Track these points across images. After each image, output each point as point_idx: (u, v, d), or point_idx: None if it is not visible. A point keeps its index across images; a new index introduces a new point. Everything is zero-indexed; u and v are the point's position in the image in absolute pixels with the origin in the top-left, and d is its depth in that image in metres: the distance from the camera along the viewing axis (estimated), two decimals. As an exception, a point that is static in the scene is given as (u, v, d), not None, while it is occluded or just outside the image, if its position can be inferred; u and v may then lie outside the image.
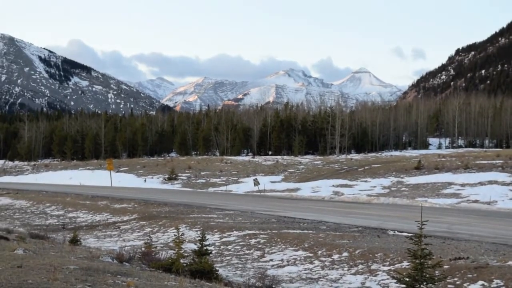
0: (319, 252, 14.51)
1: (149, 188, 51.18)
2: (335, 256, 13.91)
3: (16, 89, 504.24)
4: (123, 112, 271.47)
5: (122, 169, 74.21)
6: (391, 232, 17.37)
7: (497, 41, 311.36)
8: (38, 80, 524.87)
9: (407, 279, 7.80)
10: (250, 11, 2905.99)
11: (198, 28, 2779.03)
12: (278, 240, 16.47)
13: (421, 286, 7.74)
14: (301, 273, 13.02)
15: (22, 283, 7.39)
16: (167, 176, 61.73)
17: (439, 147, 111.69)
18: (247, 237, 17.48)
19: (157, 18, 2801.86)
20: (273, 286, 11.27)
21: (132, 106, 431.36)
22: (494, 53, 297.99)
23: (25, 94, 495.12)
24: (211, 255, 12.34)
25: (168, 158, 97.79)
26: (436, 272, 8.42)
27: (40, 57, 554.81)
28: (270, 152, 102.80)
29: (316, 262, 13.76)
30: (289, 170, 61.31)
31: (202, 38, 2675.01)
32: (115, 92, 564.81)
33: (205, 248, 11.77)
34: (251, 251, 15.82)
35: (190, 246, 14.28)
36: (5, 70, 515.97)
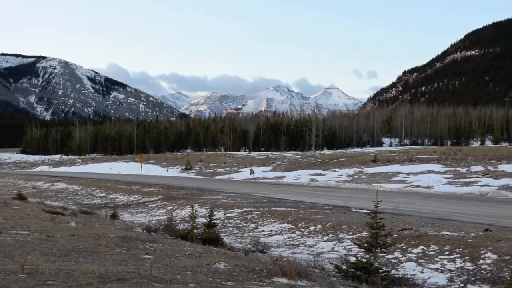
0: (299, 224, 14.53)
1: (170, 176, 51.08)
2: (312, 228, 13.94)
3: (70, 101, 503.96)
4: (151, 118, 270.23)
5: (150, 161, 74.00)
6: (354, 210, 17.41)
7: (434, 65, 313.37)
8: (86, 94, 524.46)
9: (366, 245, 7.82)
10: (243, 41, 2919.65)
11: (205, 54, 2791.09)
12: (268, 215, 16.48)
13: (376, 250, 7.75)
14: (286, 241, 13.04)
15: (74, 247, 7.39)
16: (184, 167, 61.56)
17: (390, 145, 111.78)
18: (245, 213, 17.48)
19: (175, 46, 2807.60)
20: (264, 250, 11.28)
21: (157, 114, 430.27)
22: (432, 74, 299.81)
23: (77, 104, 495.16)
24: (217, 227, 12.35)
25: (185, 153, 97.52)
26: (388, 239, 8.44)
27: (87, 77, 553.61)
28: (262, 149, 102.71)
29: (297, 232, 13.78)
30: (277, 163, 61.27)
31: (208, 61, 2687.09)
32: (144, 103, 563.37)
33: (213, 221, 11.78)
34: (248, 224, 15.83)
35: (201, 220, 14.28)
36: (61, 87, 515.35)
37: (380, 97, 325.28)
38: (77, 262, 6.10)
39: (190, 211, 12.15)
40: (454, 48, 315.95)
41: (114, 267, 5.75)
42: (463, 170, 37.00)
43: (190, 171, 58.37)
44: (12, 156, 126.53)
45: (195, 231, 11.29)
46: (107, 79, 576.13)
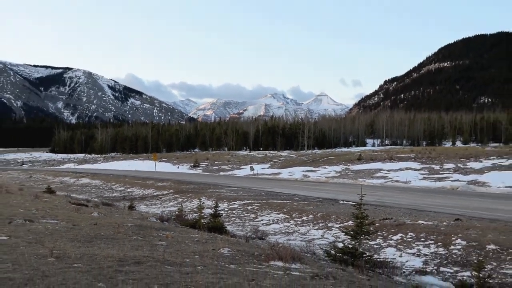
0: (294, 215, 14.53)
1: (180, 172, 51.01)
2: (304, 217, 13.94)
3: (93, 107, 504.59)
4: (163, 122, 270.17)
5: (162, 159, 73.91)
6: (341, 202, 17.41)
7: (411, 75, 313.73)
8: (107, 101, 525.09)
9: (352, 233, 7.82)
10: (244, 54, 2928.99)
11: (210, 65, 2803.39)
12: (266, 207, 16.48)
13: (361, 237, 7.76)
14: (282, 229, 13.04)
15: (97, 235, 7.40)
16: (192, 164, 61.44)
17: (373, 145, 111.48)
18: (246, 205, 17.48)
19: (184, 58, 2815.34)
20: (263, 237, 11.29)
21: (169, 118, 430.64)
22: (409, 83, 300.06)
23: (99, 110, 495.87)
24: (221, 217, 12.35)
25: (193, 152, 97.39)
26: (371, 228, 8.44)
27: (108, 85, 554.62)
28: (261, 149, 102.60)
29: (292, 222, 13.78)
30: (274, 160, 61.17)
31: (213, 72, 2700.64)
32: (158, 109, 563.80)
33: (217, 212, 11.79)
34: (248, 214, 15.82)
35: (207, 211, 14.26)
36: (85, 94, 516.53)
37: (364, 103, 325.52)
38: (99, 247, 6.11)
39: (197, 203, 12.16)
40: (429, 60, 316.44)
41: (131, 252, 5.76)
42: (437, 167, 36.99)
43: (198, 168, 58.31)
44: (42, 155, 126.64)
45: (202, 221, 11.31)
46: (125, 88, 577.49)
